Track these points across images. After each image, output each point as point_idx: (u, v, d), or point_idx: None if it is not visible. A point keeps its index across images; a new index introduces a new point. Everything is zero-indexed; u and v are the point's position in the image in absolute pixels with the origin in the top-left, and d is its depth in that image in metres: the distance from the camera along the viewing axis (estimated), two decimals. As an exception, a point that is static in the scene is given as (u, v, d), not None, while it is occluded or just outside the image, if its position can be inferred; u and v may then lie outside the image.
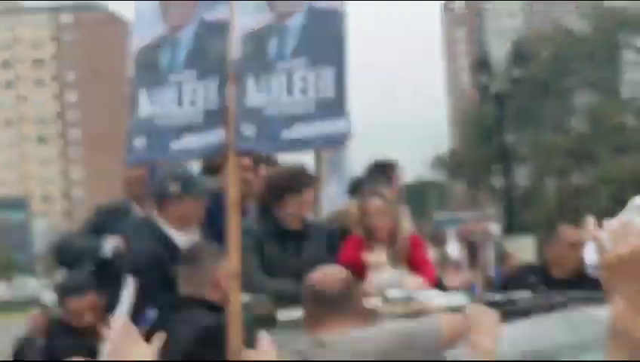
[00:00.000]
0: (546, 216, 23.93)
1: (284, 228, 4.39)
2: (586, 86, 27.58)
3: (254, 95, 3.22)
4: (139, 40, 3.52)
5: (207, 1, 3.36)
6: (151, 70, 3.44)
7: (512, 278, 5.43)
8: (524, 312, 3.53)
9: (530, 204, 25.99)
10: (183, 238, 4.29)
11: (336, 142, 3.19)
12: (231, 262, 2.98)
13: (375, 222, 4.73)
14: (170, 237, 4.19)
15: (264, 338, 2.75)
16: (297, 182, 4.40)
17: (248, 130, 3.17)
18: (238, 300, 2.95)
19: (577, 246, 4.98)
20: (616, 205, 17.28)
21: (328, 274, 2.99)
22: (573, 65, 26.38)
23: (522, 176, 28.51)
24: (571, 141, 25.66)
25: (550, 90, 26.80)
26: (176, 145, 3.31)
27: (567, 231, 5.06)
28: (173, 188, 4.21)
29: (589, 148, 25.64)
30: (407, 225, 4.88)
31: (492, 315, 2.87)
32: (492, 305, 3.20)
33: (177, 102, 3.34)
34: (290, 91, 3.18)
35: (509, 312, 3.26)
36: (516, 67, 19.03)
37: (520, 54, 19.17)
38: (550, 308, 3.68)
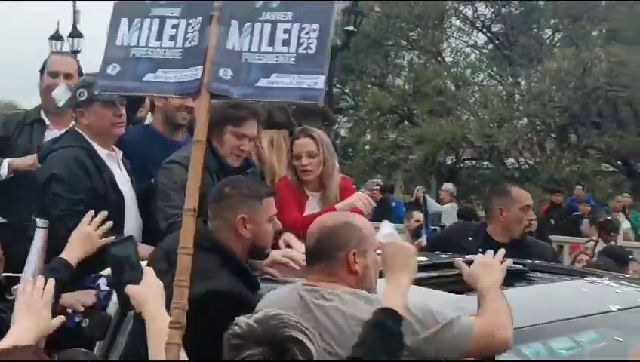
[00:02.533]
0: (362, 169, 24.71)
1: (224, 165, 4.42)
2: (411, 47, 28.39)
3: (236, 40, 3.20)
4: None
5: None
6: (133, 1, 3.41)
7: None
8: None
9: (350, 155, 26.69)
10: (103, 150, 4.41)
11: (311, 98, 3.12)
12: (188, 201, 2.93)
13: (304, 163, 4.86)
14: (94, 147, 4.31)
15: (148, 270, 2.84)
16: (235, 115, 4.36)
17: (225, 73, 3.15)
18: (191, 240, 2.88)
19: (529, 208, 5.23)
20: (429, 164, 18.11)
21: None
22: (403, 25, 27.08)
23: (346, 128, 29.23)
24: (393, 99, 26.34)
25: (378, 47, 27.45)
26: (150, 77, 3.26)
27: (520, 194, 5.24)
28: (82, 95, 4.30)
29: (409, 108, 26.52)
30: (336, 168, 5.00)
31: (408, 250, 3.00)
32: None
33: (157, 36, 3.30)
34: (272, 42, 3.18)
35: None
36: (350, 21, 19.43)
37: (354, 10, 19.55)
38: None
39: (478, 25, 28.11)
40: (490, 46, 28.83)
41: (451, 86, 26.97)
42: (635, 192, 21.78)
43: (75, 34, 27.12)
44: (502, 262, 3.25)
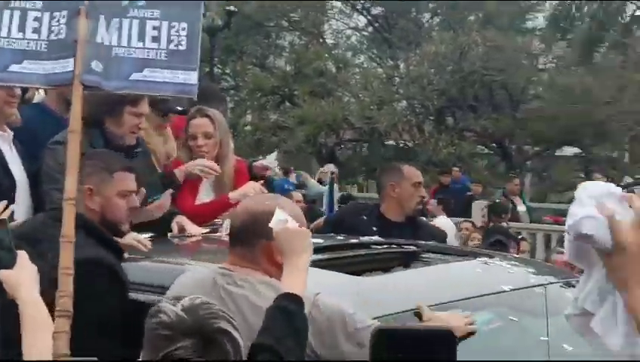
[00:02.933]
0: (242, 150, 24.55)
1: (112, 146, 4.31)
2: (292, 28, 28.39)
3: (104, 34, 3.24)
4: None
5: None
6: None
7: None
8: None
9: (233, 136, 26.46)
10: None
11: (185, 92, 3.24)
12: (67, 188, 2.97)
13: (200, 144, 4.75)
14: None
15: (23, 254, 2.72)
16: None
17: (96, 65, 3.17)
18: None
19: (421, 185, 5.23)
20: (310, 146, 18.14)
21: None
22: (285, 6, 27.03)
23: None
24: (274, 80, 26.31)
25: (259, 28, 27.33)
26: (15, 68, 3.26)
27: (411, 171, 5.25)
28: None
29: (290, 89, 26.53)
30: (231, 149, 4.89)
31: (302, 233, 2.92)
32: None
33: (19, 27, 3.30)
34: (142, 38, 3.24)
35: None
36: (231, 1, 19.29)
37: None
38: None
39: (358, 7, 28.33)
40: (371, 29, 29.11)
41: (332, 67, 27.11)
42: (507, 173, 22.49)
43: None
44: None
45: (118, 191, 3.62)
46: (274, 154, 5.03)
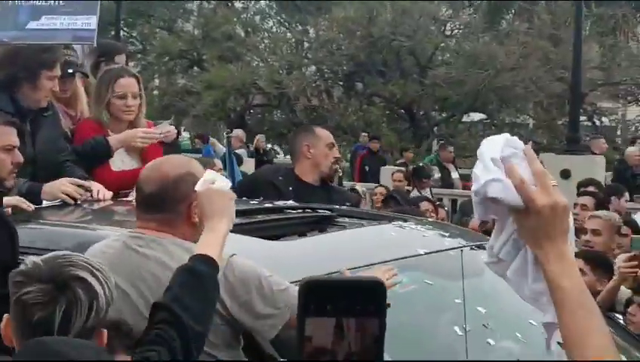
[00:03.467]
0: (150, 115, 24.14)
1: (21, 109, 4.20)
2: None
3: None
4: None
5: None
6: None
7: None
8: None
9: (139, 100, 26.04)
10: None
11: (85, 39, 3.10)
12: None
13: (130, 104, 4.61)
14: None
15: None
16: (50, 58, 4.09)
17: None
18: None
19: (334, 146, 5.22)
20: (219, 110, 17.91)
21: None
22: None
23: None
24: (182, 44, 25.95)
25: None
26: None
27: (324, 132, 5.25)
28: None
29: (198, 53, 26.21)
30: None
31: (225, 195, 2.86)
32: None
33: None
34: None
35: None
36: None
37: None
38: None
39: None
40: (280, -8, 28.91)
41: (241, 32, 26.89)
42: (416, 140, 22.75)
43: None
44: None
45: (0, 146, 3.52)
46: (166, 123, 4.86)
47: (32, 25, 3.09)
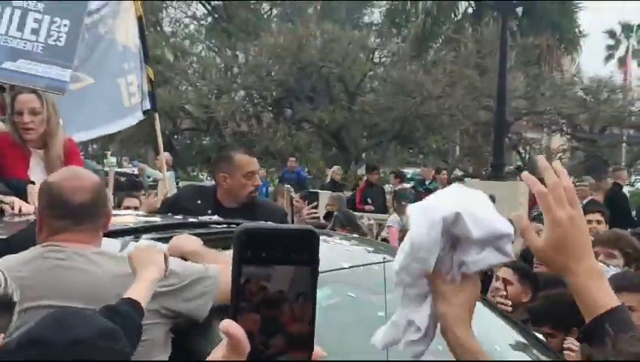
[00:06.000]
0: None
1: None
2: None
3: None
4: None
5: None
6: None
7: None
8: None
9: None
10: None
11: (57, 88, 3.19)
12: None
13: (26, 121, 4.48)
14: None
15: None
16: None
17: None
18: None
19: (254, 174, 5.01)
20: (145, 133, 17.58)
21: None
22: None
23: None
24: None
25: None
26: None
27: (243, 159, 5.01)
28: None
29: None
30: (60, 126, 4.68)
31: (151, 249, 2.92)
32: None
33: None
34: (21, 28, 3.26)
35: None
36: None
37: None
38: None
39: (197, -5, 28.11)
40: (210, 18, 28.91)
41: (170, 56, 26.75)
42: (345, 165, 22.89)
43: None
44: None
45: None
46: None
47: (8, 65, 3.20)
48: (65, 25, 3.34)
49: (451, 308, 1.73)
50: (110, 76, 6.42)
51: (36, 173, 4.66)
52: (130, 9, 6.66)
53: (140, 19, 6.80)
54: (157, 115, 7.25)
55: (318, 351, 0.95)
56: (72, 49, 3.35)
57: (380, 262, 3.71)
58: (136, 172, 16.48)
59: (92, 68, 6.35)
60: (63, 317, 2.26)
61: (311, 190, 13.99)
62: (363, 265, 3.66)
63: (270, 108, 25.68)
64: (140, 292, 2.72)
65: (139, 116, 6.80)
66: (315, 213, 7.62)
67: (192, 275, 2.92)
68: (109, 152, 27.45)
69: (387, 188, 16.66)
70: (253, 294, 0.94)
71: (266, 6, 29.29)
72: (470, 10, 28.06)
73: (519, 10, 23.31)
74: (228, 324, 0.92)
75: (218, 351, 0.94)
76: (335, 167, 18.64)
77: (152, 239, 3.39)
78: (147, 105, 6.96)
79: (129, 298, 2.68)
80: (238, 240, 0.93)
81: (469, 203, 1.72)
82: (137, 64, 6.68)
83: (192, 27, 29.06)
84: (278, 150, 22.34)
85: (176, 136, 26.63)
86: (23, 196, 4.31)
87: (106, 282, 2.79)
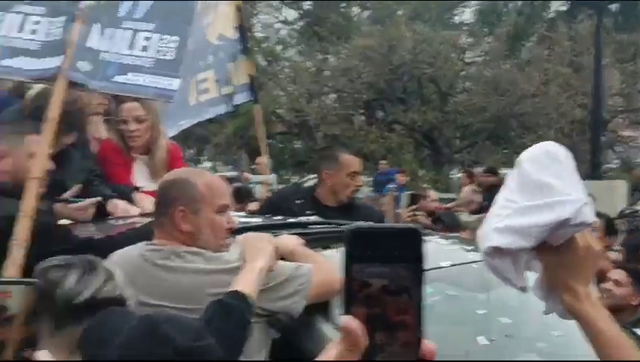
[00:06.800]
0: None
1: None
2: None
3: (96, 40, 3.52)
4: None
5: None
6: None
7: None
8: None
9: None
10: None
11: (165, 97, 3.43)
12: (33, 170, 3.38)
13: (131, 129, 4.64)
14: None
15: None
16: None
17: (83, 66, 3.45)
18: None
19: (357, 175, 5.11)
20: (238, 138, 17.69)
21: None
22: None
23: None
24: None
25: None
26: (9, 62, 3.59)
27: (349, 160, 5.10)
28: None
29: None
30: (162, 133, 4.82)
31: (262, 237, 3.02)
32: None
33: (18, 28, 3.65)
34: (131, 47, 3.48)
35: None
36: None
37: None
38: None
39: (288, 1, 28.33)
40: (300, 22, 29.13)
41: (262, 61, 27.07)
42: (437, 166, 22.76)
43: None
44: None
45: (29, 153, 3.62)
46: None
47: (119, 78, 3.54)
48: (174, 41, 3.55)
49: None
50: (186, 76, 6.48)
51: (141, 179, 4.79)
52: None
53: (238, 9, 6.79)
54: (259, 107, 6.96)
55: (429, 346, 0.96)
56: (181, 61, 3.56)
57: (479, 261, 3.72)
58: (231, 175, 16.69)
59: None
60: (152, 325, 2.26)
61: (411, 192, 13.95)
62: (462, 264, 3.67)
63: (362, 111, 25.71)
64: (248, 283, 2.76)
65: (219, 110, 6.57)
66: (415, 214, 7.61)
67: (284, 274, 2.96)
68: (204, 157, 28.01)
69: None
70: (361, 292, 0.95)
71: (355, 9, 29.35)
72: (564, 8, 27.58)
73: (614, 6, 22.82)
74: (348, 320, 0.93)
75: (331, 350, 0.94)
76: None
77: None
78: (242, 99, 6.80)
79: (237, 290, 2.72)
80: (347, 239, 0.96)
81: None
82: (222, 57, 6.54)
83: (283, 32, 29.32)
84: (370, 152, 22.36)
85: (269, 141, 26.90)
86: (129, 200, 4.44)
87: (198, 281, 2.85)
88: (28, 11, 3.70)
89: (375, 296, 0.95)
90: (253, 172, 16.55)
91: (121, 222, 4.24)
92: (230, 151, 26.37)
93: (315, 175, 5.48)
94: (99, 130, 5.03)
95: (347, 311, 0.95)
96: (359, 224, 1.00)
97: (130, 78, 3.43)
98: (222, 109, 6.55)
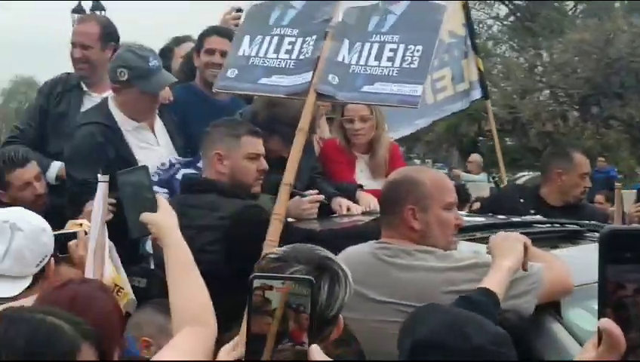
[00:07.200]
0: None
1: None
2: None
3: (345, 54, 3.73)
4: None
5: None
6: (258, 22, 4.06)
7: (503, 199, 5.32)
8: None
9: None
10: (132, 123, 4.45)
11: (409, 103, 3.59)
12: (286, 176, 3.52)
13: (357, 128, 4.83)
14: (116, 120, 4.36)
15: (161, 198, 2.74)
16: None
17: (333, 79, 3.65)
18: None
19: (587, 176, 5.10)
20: (449, 135, 17.53)
21: None
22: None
23: None
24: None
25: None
26: (265, 81, 3.81)
27: (582, 160, 5.09)
28: (122, 75, 4.34)
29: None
30: (385, 131, 4.96)
31: (511, 237, 2.95)
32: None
33: (275, 50, 3.89)
34: (378, 58, 3.67)
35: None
36: None
37: None
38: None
39: (499, -3, 28.04)
40: (512, 18, 28.71)
41: (474, 58, 26.84)
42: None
43: (97, 7, 27.21)
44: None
45: (246, 153, 3.83)
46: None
47: (367, 88, 3.60)
48: (418, 50, 3.67)
49: None
50: None
51: (362, 177, 4.94)
52: None
53: (465, 6, 6.90)
54: (489, 103, 7.08)
55: None
56: (425, 68, 3.68)
57: None
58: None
59: None
60: (457, 322, 2.28)
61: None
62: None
63: (576, 107, 25.02)
64: (496, 281, 2.75)
65: (457, 107, 6.74)
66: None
67: (516, 273, 2.90)
68: (414, 155, 28.14)
69: None
70: (615, 294, 0.98)
71: (570, 3, 28.58)
72: None
73: None
74: (608, 323, 0.95)
75: (589, 351, 0.97)
76: None
77: (470, 240, 3.51)
78: (476, 95, 6.84)
79: (485, 288, 2.72)
80: (602, 241, 0.99)
81: None
82: (456, 55, 6.70)
83: (495, 28, 29.01)
84: (586, 149, 21.69)
85: (480, 138, 26.73)
86: (352, 198, 4.55)
87: (431, 279, 2.84)
88: (285, 33, 3.92)
89: (629, 297, 0.97)
90: (467, 169, 16.52)
91: (345, 219, 4.33)
92: (441, 148, 26.40)
93: (527, 172, 5.45)
94: (324, 130, 5.24)
95: (602, 313, 0.98)
96: (614, 226, 1.04)
97: (378, 87, 3.56)
98: (458, 107, 6.72)
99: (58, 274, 3.00)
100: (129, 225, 2.75)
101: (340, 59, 3.71)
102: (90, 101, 4.89)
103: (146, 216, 2.64)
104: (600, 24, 23.22)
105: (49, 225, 3.08)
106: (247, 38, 3.99)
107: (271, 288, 1.53)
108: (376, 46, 3.71)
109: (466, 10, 6.84)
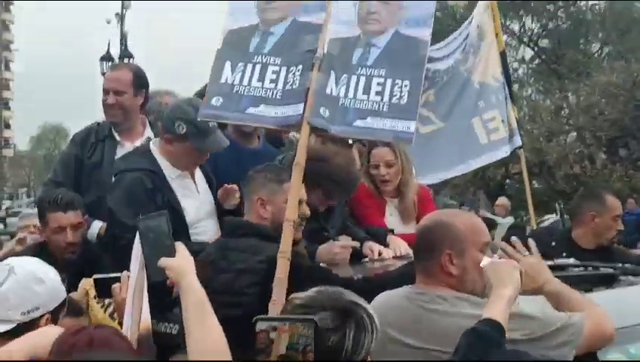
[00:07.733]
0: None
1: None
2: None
3: (333, 87, 3.74)
4: (231, 23, 4.08)
5: (303, 5, 3.97)
6: (238, 48, 3.98)
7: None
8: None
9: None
10: (175, 171, 4.48)
11: (404, 139, 3.63)
12: (289, 212, 3.54)
13: (382, 173, 4.87)
14: (162, 168, 4.40)
15: (180, 244, 2.82)
16: None
17: (324, 112, 3.68)
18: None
19: (620, 218, 5.11)
20: (478, 179, 17.54)
21: None
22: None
23: None
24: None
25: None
26: (253, 110, 3.80)
27: (614, 202, 5.11)
28: (181, 129, 4.37)
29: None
30: (413, 175, 4.98)
31: (509, 266, 2.96)
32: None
33: (259, 78, 3.86)
34: (366, 91, 3.71)
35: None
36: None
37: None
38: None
39: (525, 40, 28.06)
40: (537, 61, 28.75)
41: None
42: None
43: (126, 54, 27.60)
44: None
45: (287, 199, 3.85)
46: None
47: (359, 123, 3.61)
48: (406, 85, 3.68)
49: None
50: (462, 117, 6.54)
51: (392, 221, 4.95)
52: (493, 44, 6.79)
53: (502, 54, 6.94)
54: (522, 152, 7.09)
55: None
56: (415, 104, 3.67)
57: None
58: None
59: (443, 112, 6.56)
60: None
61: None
62: None
63: (604, 149, 24.87)
64: (498, 311, 2.74)
65: (505, 150, 6.70)
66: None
67: (556, 323, 2.91)
68: (439, 196, 28.03)
69: None
70: None
71: (596, 45, 28.60)
72: None
73: None
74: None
75: None
76: None
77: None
78: (518, 142, 6.85)
79: (489, 318, 2.71)
80: None
81: None
82: (501, 99, 6.72)
83: (520, 71, 29.05)
84: (615, 192, 21.52)
85: (507, 181, 26.62)
86: (383, 242, 4.59)
87: (467, 326, 2.80)
88: (267, 61, 3.88)
89: None
90: (494, 213, 16.45)
91: (377, 264, 4.38)
92: (468, 191, 26.31)
93: (554, 215, 5.44)
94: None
95: None
96: None
97: (370, 122, 3.58)
98: (502, 152, 6.67)
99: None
100: (148, 270, 2.86)
101: (328, 91, 3.70)
102: (123, 151, 4.94)
103: (164, 261, 2.74)
104: (627, 66, 23.18)
105: (55, 278, 3.11)
106: (228, 65, 3.94)
107: (275, 329, 1.54)
108: (363, 79, 3.72)
109: (503, 58, 6.89)
